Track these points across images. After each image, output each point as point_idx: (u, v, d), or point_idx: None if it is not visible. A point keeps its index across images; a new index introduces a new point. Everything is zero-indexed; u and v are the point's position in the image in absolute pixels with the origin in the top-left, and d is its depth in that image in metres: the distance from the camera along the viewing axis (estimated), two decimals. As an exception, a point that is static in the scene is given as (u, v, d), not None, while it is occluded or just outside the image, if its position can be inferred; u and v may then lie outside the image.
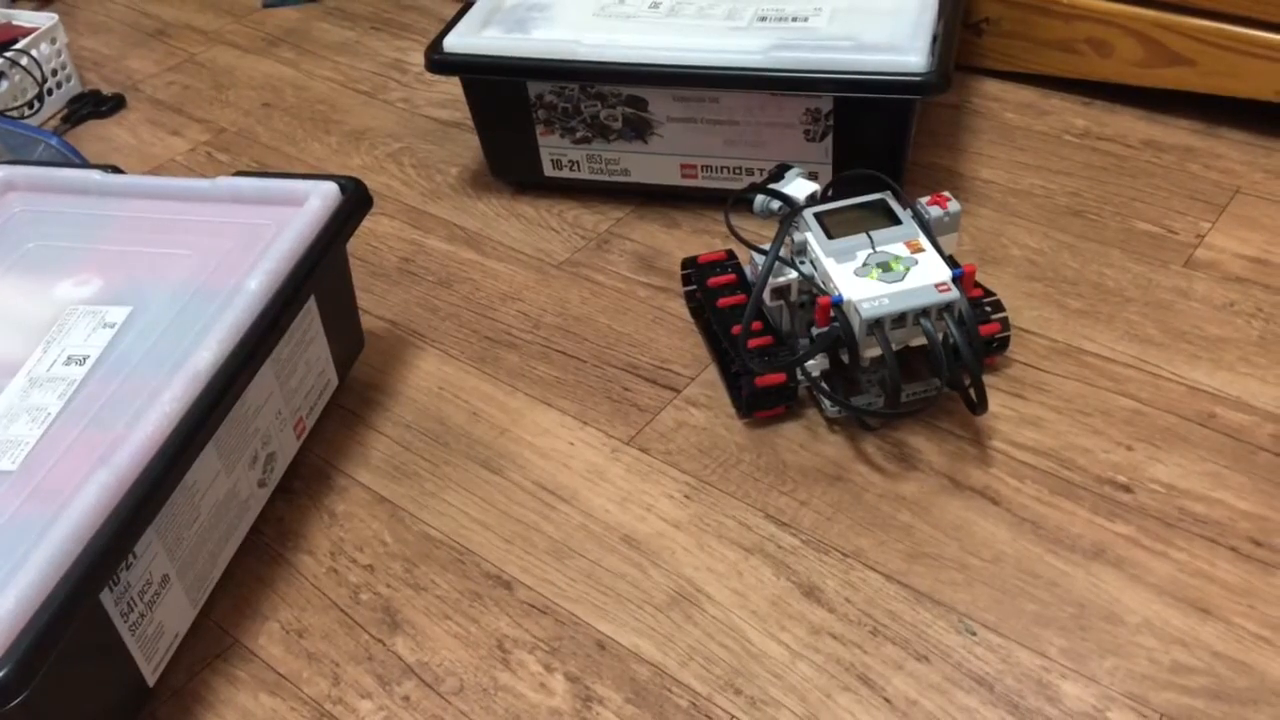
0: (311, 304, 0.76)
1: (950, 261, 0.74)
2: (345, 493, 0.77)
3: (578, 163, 1.00)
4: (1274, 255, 0.89)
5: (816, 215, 0.77)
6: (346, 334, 0.84)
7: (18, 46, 1.20)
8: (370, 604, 0.70)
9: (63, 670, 0.56)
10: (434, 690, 0.65)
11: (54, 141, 1.08)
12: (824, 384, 0.76)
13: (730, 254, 0.87)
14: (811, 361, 0.76)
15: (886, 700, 0.62)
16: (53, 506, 0.58)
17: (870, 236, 0.75)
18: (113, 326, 0.70)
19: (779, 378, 0.76)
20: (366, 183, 0.80)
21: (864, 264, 0.74)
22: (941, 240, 0.77)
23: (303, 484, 0.78)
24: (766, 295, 0.77)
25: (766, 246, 0.77)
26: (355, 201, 0.79)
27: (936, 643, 0.65)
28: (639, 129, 0.96)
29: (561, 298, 0.92)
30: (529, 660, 0.66)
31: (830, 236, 0.76)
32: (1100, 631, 0.64)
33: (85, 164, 1.05)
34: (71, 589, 0.54)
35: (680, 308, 0.90)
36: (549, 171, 1.02)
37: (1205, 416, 0.76)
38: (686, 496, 0.75)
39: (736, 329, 0.78)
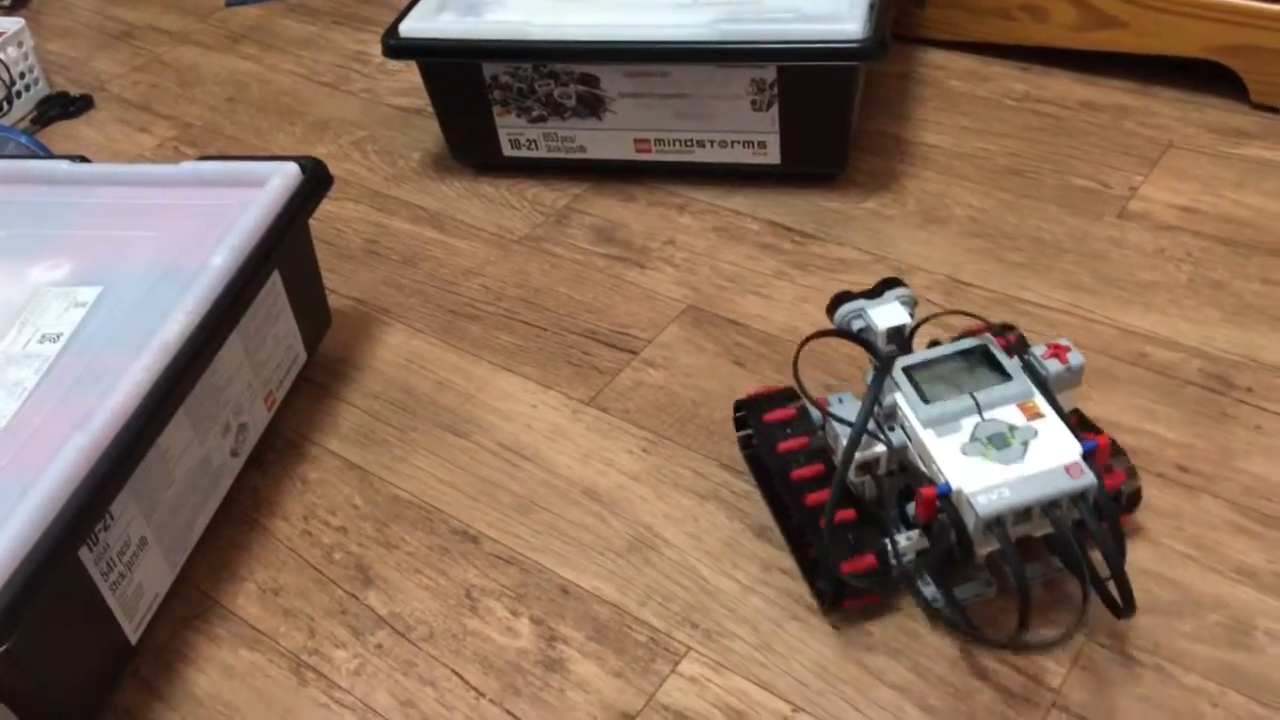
0: (276, 279, 0.79)
1: (1074, 424, 0.61)
2: (317, 461, 0.80)
3: (535, 141, 1.03)
4: (1203, 204, 0.93)
5: (907, 370, 0.63)
6: (313, 310, 0.86)
7: (-16, 50, 1.22)
8: (343, 562, 0.73)
9: (48, 626, 0.58)
10: (405, 638, 0.68)
11: (23, 139, 1.11)
12: (930, 583, 0.65)
13: (793, 397, 0.72)
14: (905, 543, 0.62)
15: (834, 627, 0.65)
16: (31, 471, 0.61)
17: (975, 398, 0.61)
18: (84, 306, 0.73)
19: (868, 562, 0.63)
20: (331, 170, 0.83)
21: (971, 437, 0.60)
22: (1060, 398, 0.63)
23: (275, 455, 0.81)
24: (851, 472, 0.64)
25: (840, 410, 0.66)
26: (316, 180, 0.81)
27: (881, 573, 0.68)
28: (592, 106, 0.99)
29: (522, 271, 0.95)
30: (496, 607, 0.69)
31: (925, 400, 0.62)
32: (1036, 557, 0.68)
33: (53, 156, 1.07)
34: (51, 545, 0.57)
35: (637, 275, 0.93)
36: (508, 151, 1.05)
37: (1136, 356, 0.80)
38: (644, 450, 0.78)
39: (811, 499, 0.66)
